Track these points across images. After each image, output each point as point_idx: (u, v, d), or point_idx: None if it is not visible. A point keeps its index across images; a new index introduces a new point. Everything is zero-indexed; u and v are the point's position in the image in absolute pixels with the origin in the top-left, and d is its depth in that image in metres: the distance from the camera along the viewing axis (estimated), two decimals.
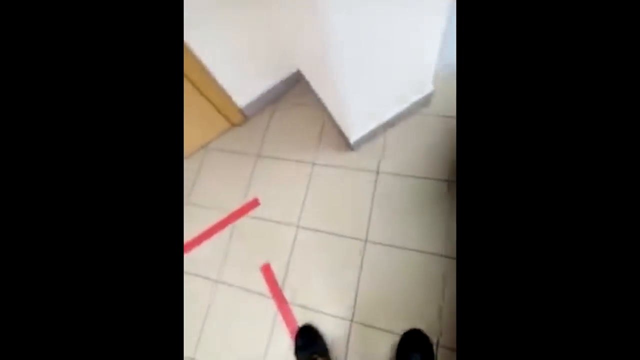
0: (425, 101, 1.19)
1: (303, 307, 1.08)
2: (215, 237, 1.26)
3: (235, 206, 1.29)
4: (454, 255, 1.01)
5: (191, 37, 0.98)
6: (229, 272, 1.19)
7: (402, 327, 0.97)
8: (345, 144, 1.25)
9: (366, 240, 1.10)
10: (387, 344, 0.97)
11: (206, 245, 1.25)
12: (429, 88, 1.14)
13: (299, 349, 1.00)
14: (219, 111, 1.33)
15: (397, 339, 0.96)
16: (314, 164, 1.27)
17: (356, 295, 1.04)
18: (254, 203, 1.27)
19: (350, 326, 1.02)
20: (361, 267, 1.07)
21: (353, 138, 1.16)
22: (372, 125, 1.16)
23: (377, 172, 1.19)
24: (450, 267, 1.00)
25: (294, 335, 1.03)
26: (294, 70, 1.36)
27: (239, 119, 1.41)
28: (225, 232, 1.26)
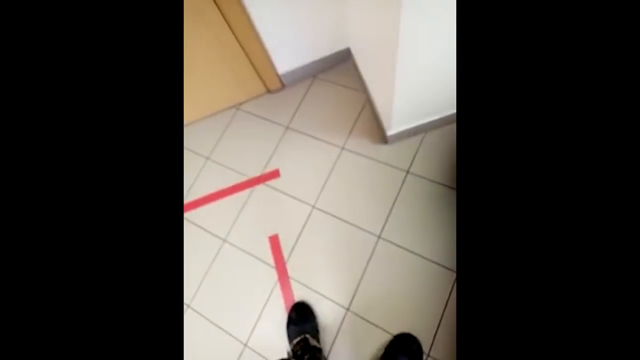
0: None
1: (303, 284, 1.10)
2: (230, 198, 1.27)
3: (256, 173, 1.28)
4: None
5: None
6: (238, 234, 1.21)
7: (396, 328, 0.98)
8: (380, 136, 1.21)
9: (380, 237, 1.09)
10: (377, 340, 0.99)
11: (219, 203, 1.27)
12: None
13: (291, 323, 1.03)
14: (257, 73, 1.29)
15: (388, 338, 0.98)
16: (343, 148, 1.24)
17: (357, 287, 1.05)
18: (274, 174, 1.27)
19: (345, 314, 1.04)
20: (369, 261, 1.07)
21: (390, 131, 1.12)
22: (414, 123, 1.11)
23: (407, 172, 1.15)
24: None
25: (289, 308, 1.06)
26: (343, 47, 1.29)
27: (276, 85, 1.37)
28: (240, 195, 1.26)
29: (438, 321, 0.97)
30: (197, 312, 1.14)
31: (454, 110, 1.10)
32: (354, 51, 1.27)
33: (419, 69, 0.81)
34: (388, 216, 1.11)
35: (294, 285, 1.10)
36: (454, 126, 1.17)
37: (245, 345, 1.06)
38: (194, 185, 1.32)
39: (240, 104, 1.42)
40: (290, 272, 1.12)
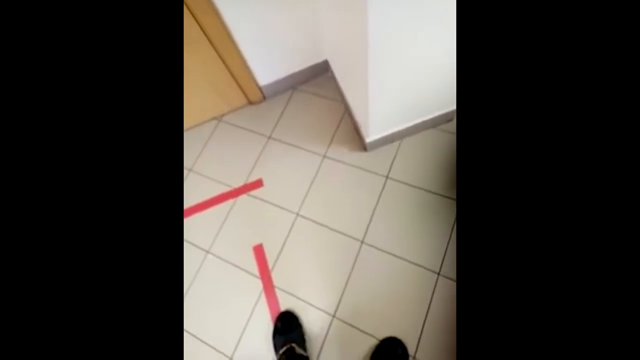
0: (448, 118, 1.18)
1: (288, 293, 1.09)
2: (213, 209, 1.26)
3: (239, 183, 1.28)
4: (448, 274, 1.03)
5: (225, 6, 0.96)
6: (221, 245, 1.20)
7: (383, 333, 0.99)
8: (359, 143, 1.25)
9: (363, 242, 1.11)
10: (364, 346, 0.98)
11: (203, 215, 1.26)
12: (454, 105, 1.13)
13: (277, 333, 1.02)
14: (238, 85, 1.31)
15: (375, 343, 0.98)
16: (324, 156, 1.26)
17: (343, 293, 1.06)
18: (258, 183, 1.27)
19: (332, 321, 1.03)
20: (353, 266, 1.08)
21: (369, 139, 1.16)
22: (390, 130, 1.15)
23: (387, 177, 1.19)
24: (441, 284, 1.02)
25: (275, 318, 1.05)
26: (321, 59, 1.34)
27: (258, 97, 1.39)
28: (223, 206, 1.26)
29: (422, 322, 0.98)
30: None
31: (428, 117, 1.15)
32: (331, 63, 1.32)
33: (390, 79, 0.85)
34: (370, 221, 1.13)
35: (280, 295, 1.09)
36: (428, 132, 1.22)
37: (231, 359, 1.04)
38: None
39: (222, 115, 1.43)
40: (275, 282, 1.11)
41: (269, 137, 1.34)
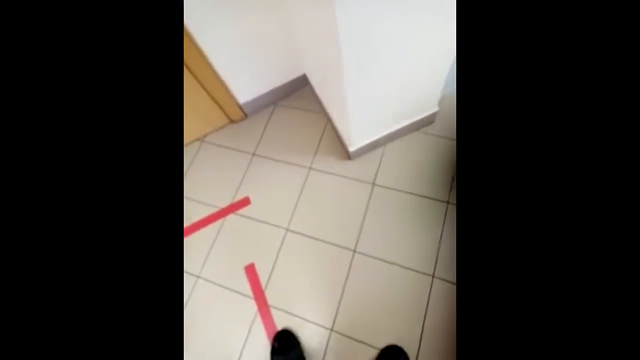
0: (429, 120, 1.21)
1: (284, 311, 1.06)
2: (201, 232, 1.23)
3: (225, 203, 1.27)
4: (442, 275, 1.03)
5: (195, 27, 0.97)
6: (212, 269, 1.17)
7: (382, 341, 0.97)
8: (344, 153, 1.26)
9: (355, 251, 1.10)
10: (365, 357, 0.96)
11: (191, 239, 1.23)
12: (434, 108, 1.16)
13: (275, 353, 0.99)
14: (218, 105, 1.31)
15: (375, 353, 0.96)
16: (310, 168, 1.27)
17: (339, 305, 1.04)
18: (245, 201, 1.26)
19: (330, 335, 1.01)
20: (347, 276, 1.07)
21: (352, 147, 1.17)
22: (373, 137, 1.17)
23: (373, 184, 1.19)
24: (436, 287, 1.01)
25: (272, 338, 1.02)
26: (299, 73, 1.36)
27: (239, 115, 1.39)
28: (211, 228, 1.23)
29: (421, 327, 0.97)
30: None
31: (409, 121, 1.17)
32: (309, 76, 1.34)
33: (366, 89, 0.87)
34: (360, 229, 1.13)
35: (275, 314, 1.07)
36: (411, 136, 1.24)
37: None
38: None
39: (205, 136, 1.42)
40: (269, 301, 1.09)
41: (253, 154, 1.34)
